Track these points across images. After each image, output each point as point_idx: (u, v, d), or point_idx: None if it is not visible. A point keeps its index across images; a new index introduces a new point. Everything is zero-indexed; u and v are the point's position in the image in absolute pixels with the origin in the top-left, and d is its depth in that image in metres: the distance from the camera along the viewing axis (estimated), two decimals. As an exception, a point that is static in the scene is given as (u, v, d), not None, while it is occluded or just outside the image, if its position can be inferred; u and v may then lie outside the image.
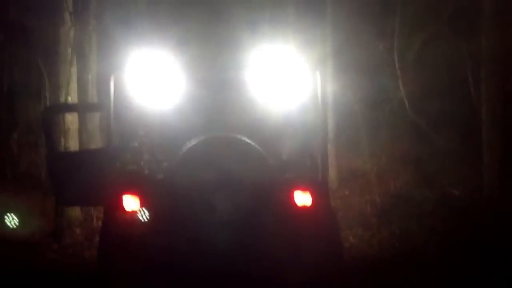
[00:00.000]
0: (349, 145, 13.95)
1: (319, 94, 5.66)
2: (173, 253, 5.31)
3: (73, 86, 9.76)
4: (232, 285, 5.31)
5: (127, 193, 5.44)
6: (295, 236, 5.41)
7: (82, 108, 8.58)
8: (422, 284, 6.85)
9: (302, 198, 5.48)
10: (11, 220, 7.30)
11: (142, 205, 5.42)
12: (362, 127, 12.45)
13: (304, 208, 5.49)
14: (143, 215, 5.40)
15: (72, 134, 9.58)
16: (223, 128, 5.47)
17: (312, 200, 5.48)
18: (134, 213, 5.41)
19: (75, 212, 10.23)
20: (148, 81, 5.57)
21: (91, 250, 9.14)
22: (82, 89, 9.76)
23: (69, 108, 8.79)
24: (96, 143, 10.83)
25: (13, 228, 7.49)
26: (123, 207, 5.43)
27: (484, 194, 10.18)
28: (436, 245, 8.82)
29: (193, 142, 5.37)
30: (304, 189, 5.48)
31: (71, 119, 9.62)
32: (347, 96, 11.94)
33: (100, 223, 10.19)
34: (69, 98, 9.47)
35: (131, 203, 5.43)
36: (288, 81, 5.63)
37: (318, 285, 5.41)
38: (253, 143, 5.35)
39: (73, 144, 9.56)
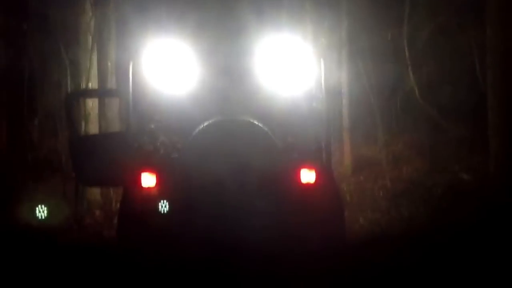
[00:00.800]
0: (364, 134, 14.41)
1: (322, 81, 6.18)
2: (187, 227, 5.85)
3: (94, 73, 10.34)
4: (242, 258, 5.81)
5: (144, 171, 6.00)
6: (300, 211, 5.91)
7: (102, 94, 9.16)
8: (426, 262, 7.19)
9: (307, 176, 5.99)
10: (41, 211, 7.86)
11: (158, 182, 5.98)
12: (376, 116, 12.90)
13: (309, 185, 6.00)
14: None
15: (92, 119, 10.15)
16: (233, 112, 6.01)
17: (316, 178, 5.99)
18: (151, 189, 5.98)
19: (95, 195, 10.87)
20: (164, 67, 6.14)
21: (110, 230, 9.75)
22: (102, 76, 10.33)
23: (90, 93, 9.36)
24: (115, 127, 11.42)
25: (42, 219, 8.06)
26: (140, 184, 5.99)
27: (492, 179, 10.56)
28: (442, 226, 9.22)
29: (205, 124, 5.92)
30: (309, 167, 5.99)
31: (92, 105, 10.21)
32: (361, 85, 12.40)
33: (118, 205, 10.89)
34: (90, 85, 10.06)
35: (148, 180, 6.00)
36: (295, 68, 6.14)
37: (322, 258, 5.93)
38: (261, 126, 5.88)
39: (93, 129, 10.15)
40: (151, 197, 5.94)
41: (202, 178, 5.85)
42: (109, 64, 11.03)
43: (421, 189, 11.41)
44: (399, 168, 13.08)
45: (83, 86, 10.21)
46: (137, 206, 5.94)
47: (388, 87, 12.86)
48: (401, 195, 11.21)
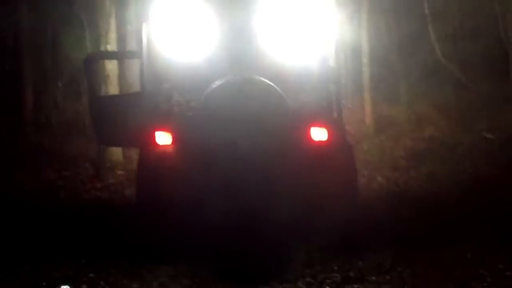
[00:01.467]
0: (386, 93, 14.46)
1: (335, 38, 6.31)
2: (202, 184, 6.07)
3: (112, 36, 10.54)
4: (254, 216, 5.95)
5: (159, 130, 6.23)
6: (312, 170, 6.06)
7: (120, 56, 9.36)
8: (437, 221, 7.27)
9: (318, 134, 6.16)
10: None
11: (173, 140, 6.21)
12: (398, 74, 12.95)
13: (320, 143, 6.18)
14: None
15: (112, 80, 10.40)
16: (245, 71, 6.17)
17: (328, 136, 6.16)
18: (166, 148, 6.21)
19: (117, 155, 11.17)
20: (177, 27, 6.33)
21: (131, 188, 10.04)
22: (121, 39, 10.54)
23: (108, 55, 9.58)
24: (136, 88, 11.64)
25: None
26: (156, 142, 6.22)
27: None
28: (462, 186, 9.34)
29: (217, 83, 6.10)
30: (320, 125, 6.16)
31: (111, 67, 10.43)
32: (382, 42, 12.42)
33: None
34: (109, 47, 10.28)
35: (163, 138, 6.23)
36: (307, 26, 6.29)
37: (334, 215, 6.12)
38: (272, 84, 6.04)
39: (113, 90, 10.40)
40: (166, 156, 6.18)
41: (215, 136, 6.04)
42: (128, 27, 11.21)
43: (443, 149, 11.51)
44: (422, 128, 13.16)
45: (102, 49, 10.41)
46: (153, 165, 6.17)
47: (410, 45, 12.84)
48: (422, 155, 11.32)
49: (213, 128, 6.05)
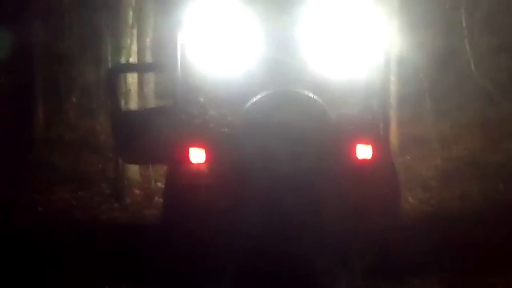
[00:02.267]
0: (412, 109, 14.12)
1: (382, 50, 6.03)
2: (239, 205, 5.76)
3: (134, 48, 10.28)
4: (295, 236, 5.72)
5: (193, 146, 5.93)
6: (355, 189, 5.80)
7: (147, 68, 9.04)
8: (483, 241, 7.06)
9: (363, 152, 5.88)
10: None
11: (207, 157, 5.91)
12: (426, 90, 12.63)
13: (365, 161, 5.89)
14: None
15: (133, 95, 10.12)
16: (286, 83, 5.90)
17: (373, 154, 5.88)
18: (200, 166, 5.91)
19: (134, 174, 10.86)
20: (213, 37, 6.05)
21: (151, 209, 9.83)
22: (141, 52, 10.27)
23: (134, 67, 9.28)
24: (153, 103, 11.40)
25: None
26: (189, 160, 5.92)
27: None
28: (497, 207, 9.05)
29: (258, 96, 5.82)
30: (365, 142, 5.87)
31: (131, 81, 10.16)
32: (412, 57, 12.09)
33: (160, 184, 10.91)
34: (130, 60, 10.00)
35: (197, 156, 5.93)
36: (351, 37, 6.01)
37: (378, 237, 5.81)
38: (315, 97, 5.76)
39: (133, 105, 10.12)
40: (200, 174, 5.89)
41: (254, 154, 5.77)
42: (147, 40, 10.96)
43: (473, 169, 11.17)
44: (449, 147, 12.78)
45: (122, 61, 10.13)
46: (186, 184, 5.88)
47: (442, 60, 12.53)
48: (452, 175, 10.99)
49: (251, 145, 5.80)
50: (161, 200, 10.04)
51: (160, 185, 11.01)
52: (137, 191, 10.63)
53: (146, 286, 5.86)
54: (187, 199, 5.85)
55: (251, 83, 5.97)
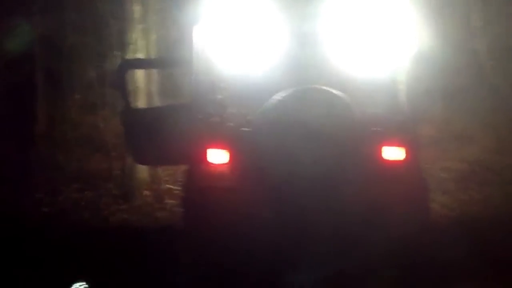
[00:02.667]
0: (424, 108, 13.82)
1: (409, 45, 5.75)
2: (261, 207, 5.49)
3: (141, 44, 9.97)
4: (317, 240, 5.45)
5: (213, 146, 5.65)
6: (382, 193, 5.54)
7: (159, 64, 8.69)
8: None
9: (392, 153, 5.62)
10: None
11: (228, 158, 5.63)
12: (439, 89, 12.34)
13: (394, 164, 5.62)
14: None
15: (141, 92, 9.82)
16: (309, 80, 5.63)
17: (402, 156, 5.61)
18: (221, 166, 5.63)
19: (142, 174, 10.55)
20: (234, 32, 5.78)
21: (163, 211, 9.54)
22: (149, 48, 9.95)
23: (145, 63, 8.94)
24: (159, 102, 11.11)
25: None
26: (209, 161, 5.64)
27: None
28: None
29: (279, 94, 5.54)
30: (394, 143, 5.60)
31: (139, 78, 9.87)
32: (428, 55, 11.76)
33: (167, 185, 10.64)
34: (138, 56, 9.70)
35: (217, 156, 5.65)
36: (379, 31, 5.75)
37: (405, 245, 5.52)
38: (340, 94, 5.49)
39: (141, 103, 9.83)
40: (222, 176, 5.63)
41: (276, 154, 5.50)
42: (154, 36, 10.64)
43: (490, 171, 10.89)
44: (462, 148, 12.50)
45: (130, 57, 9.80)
46: (207, 186, 5.62)
47: (453, 59, 12.25)
48: (469, 177, 10.71)
49: (273, 144, 5.51)
50: (171, 201, 9.96)
51: (170, 186, 10.79)
52: (146, 192, 10.33)
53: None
54: (208, 202, 5.57)
55: (272, 80, 5.72)
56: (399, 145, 5.61)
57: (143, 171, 10.43)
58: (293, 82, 5.59)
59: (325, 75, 5.67)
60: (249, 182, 5.54)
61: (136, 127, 6.58)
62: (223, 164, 5.64)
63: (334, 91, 5.49)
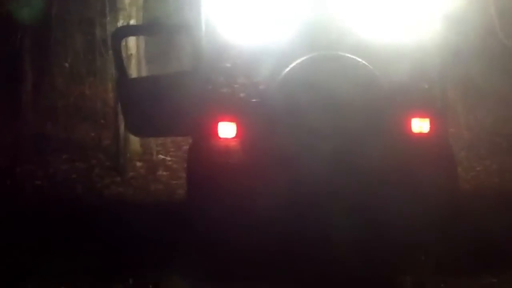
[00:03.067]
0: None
1: (437, 8, 5.25)
2: (275, 185, 5.04)
3: (133, 10, 9.36)
4: (337, 218, 5.00)
5: (222, 119, 5.17)
6: (410, 167, 5.11)
7: (158, 30, 8.03)
8: None
9: (420, 125, 5.19)
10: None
11: (239, 132, 5.18)
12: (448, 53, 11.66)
13: (422, 136, 5.20)
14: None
15: (134, 60, 9.25)
16: (329, 46, 5.13)
17: (431, 128, 5.19)
18: (229, 141, 5.17)
19: (134, 144, 10.07)
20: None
21: (157, 183, 9.14)
22: (140, 13, 9.34)
23: (142, 30, 8.32)
24: (158, 69, 10.55)
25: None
26: (218, 134, 5.17)
27: None
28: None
29: (296, 61, 5.04)
30: (422, 115, 5.17)
31: (133, 45, 9.30)
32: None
33: (160, 156, 10.17)
34: (132, 23, 9.09)
35: (227, 130, 5.20)
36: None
37: (433, 218, 5.10)
38: (363, 62, 4.99)
39: (136, 71, 9.26)
40: (230, 152, 5.17)
41: (293, 126, 5.05)
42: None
43: (505, 140, 10.38)
44: (477, 118, 11.90)
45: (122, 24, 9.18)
46: (213, 162, 5.15)
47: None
48: (482, 147, 10.17)
49: (290, 118, 5.06)
50: (165, 173, 9.50)
51: (163, 156, 10.33)
52: (138, 164, 9.87)
53: (160, 271, 5.12)
54: (215, 179, 5.11)
55: (287, 46, 5.19)
56: (428, 117, 5.14)
57: (134, 141, 9.95)
58: (311, 48, 5.09)
59: (345, 41, 5.15)
60: (264, 158, 5.05)
61: (133, 97, 6.10)
62: (235, 138, 5.15)
63: (358, 58, 4.99)
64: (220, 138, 5.17)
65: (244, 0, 5.24)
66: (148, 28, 8.37)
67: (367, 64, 5.01)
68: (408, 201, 5.01)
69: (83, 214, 7.18)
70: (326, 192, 5.02)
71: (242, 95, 5.22)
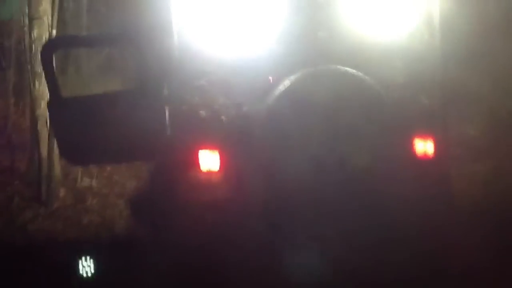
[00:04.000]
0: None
1: (435, 15, 4.76)
2: (267, 222, 4.43)
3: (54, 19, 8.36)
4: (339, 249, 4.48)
5: (204, 148, 4.45)
6: (413, 192, 4.62)
7: (100, 41, 7.03)
8: None
9: (424, 147, 4.73)
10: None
11: (223, 162, 4.48)
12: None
13: (424, 159, 4.74)
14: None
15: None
16: (324, 60, 4.54)
17: (435, 150, 4.74)
18: (213, 174, 4.50)
19: (55, 169, 9.04)
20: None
21: (89, 214, 8.15)
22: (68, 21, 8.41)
23: (78, 41, 7.35)
24: (96, 87, 9.58)
25: None
26: (199, 165, 4.49)
27: None
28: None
29: (287, 78, 4.40)
30: (426, 135, 4.70)
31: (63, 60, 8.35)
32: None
33: (85, 180, 9.23)
34: (54, 32, 8.11)
35: (209, 160, 4.50)
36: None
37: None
38: (366, 77, 4.42)
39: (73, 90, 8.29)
40: (213, 186, 4.48)
41: (286, 155, 4.44)
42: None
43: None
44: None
45: (43, 35, 8.21)
46: (193, 198, 4.47)
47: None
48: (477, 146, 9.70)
49: (281, 144, 4.45)
50: (95, 201, 8.59)
51: (89, 181, 9.37)
52: (62, 191, 8.84)
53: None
54: (197, 220, 4.44)
55: (275, 59, 4.60)
56: (431, 137, 4.66)
57: (55, 165, 8.93)
58: (303, 63, 4.51)
59: (339, 52, 4.60)
60: (255, 193, 4.38)
61: (68, 120, 5.48)
62: (218, 171, 4.44)
63: (358, 72, 4.40)
64: (201, 171, 4.43)
65: (223, 5, 4.52)
66: (86, 40, 7.42)
67: (370, 79, 4.43)
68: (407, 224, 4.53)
69: (2, 258, 6.19)
70: (326, 227, 4.42)
71: (223, 118, 4.52)
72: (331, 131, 4.42)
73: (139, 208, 5.61)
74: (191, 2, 4.52)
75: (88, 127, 5.35)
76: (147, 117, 4.86)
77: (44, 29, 8.20)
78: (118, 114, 5.20)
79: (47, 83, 5.92)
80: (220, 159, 4.44)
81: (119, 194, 8.57)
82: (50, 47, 6.11)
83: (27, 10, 8.44)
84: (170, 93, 4.73)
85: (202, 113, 4.51)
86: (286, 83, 4.37)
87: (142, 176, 8.07)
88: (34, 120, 8.30)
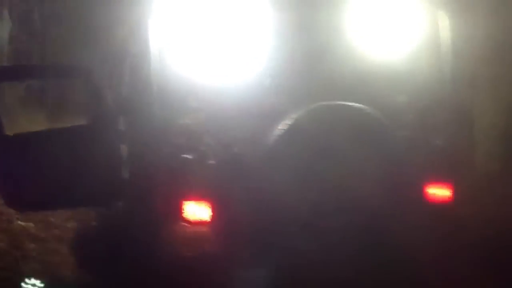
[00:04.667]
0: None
1: (446, 46, 4.33)
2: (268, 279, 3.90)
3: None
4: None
5: (190, 199, 3.86)
6: (427, 245, 4.13)
7: (47, 72, 6.45)
8: None
9: (440, 194, 4.26)
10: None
11: (214, 213, 3.91)
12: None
13: (439, 207, 4.27)
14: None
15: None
16: (329, 95, 4.00)
17: (452, 197, 4.27)
18: (203, 226, 3.94)
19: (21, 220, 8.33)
20: (208, 27, 3.97)
21: (29, 262, 7.27)
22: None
23: (25, 73, 6.65)
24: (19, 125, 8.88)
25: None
26: (184, 218, 3.91)
27: None
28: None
29: (288, 115, 3.90)
30: (442, 182, 4.21)
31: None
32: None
33: (19, 223, 8.44)
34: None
35: (194, 211, 3.92)
36: (404, 26, 4.26)
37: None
38: (378, 114, 3.96)
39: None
40: (203, 240, 3.93)
41: (287, 204, 3.88)
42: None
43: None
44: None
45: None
46: (184, 256, 3.92)
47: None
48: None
49: (281, 192, 3.88)
50: (34, 246, 7.79)
51: (23, 223, 8.57)
52: (32, 245, 8.09)
53: None
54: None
55: (272, 93, 4.05)
56: (449, 184, 4.20)
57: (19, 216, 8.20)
58: (304, 97, 3.96)
59: (352, 89, 4.08)
60: (250, 245, 3.87)
61: (12, 160, 5.06)
62: (209, 222, 3.90)
63: (368, 109, 3.89)
64: (189, 221, 3.85)
65: (212, 33, 3.94)
66: (30, 71, 6.78)
67: (380, 116, 3.94)
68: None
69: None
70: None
71: (211, 162, 3.92)
72: (340, 177, 3.89)
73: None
74: (175, 27, 3.95)
75: (36, 167, 4.97)
76: (98, 157, 4.58)
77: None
78: (64, 153, 4.85)
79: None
80: (211, 209, 3.86)
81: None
82: None
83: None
84: (126, 129, 4.35)
85: (187, 156, 3.93)
86: (288, 121, 3.82)
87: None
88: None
